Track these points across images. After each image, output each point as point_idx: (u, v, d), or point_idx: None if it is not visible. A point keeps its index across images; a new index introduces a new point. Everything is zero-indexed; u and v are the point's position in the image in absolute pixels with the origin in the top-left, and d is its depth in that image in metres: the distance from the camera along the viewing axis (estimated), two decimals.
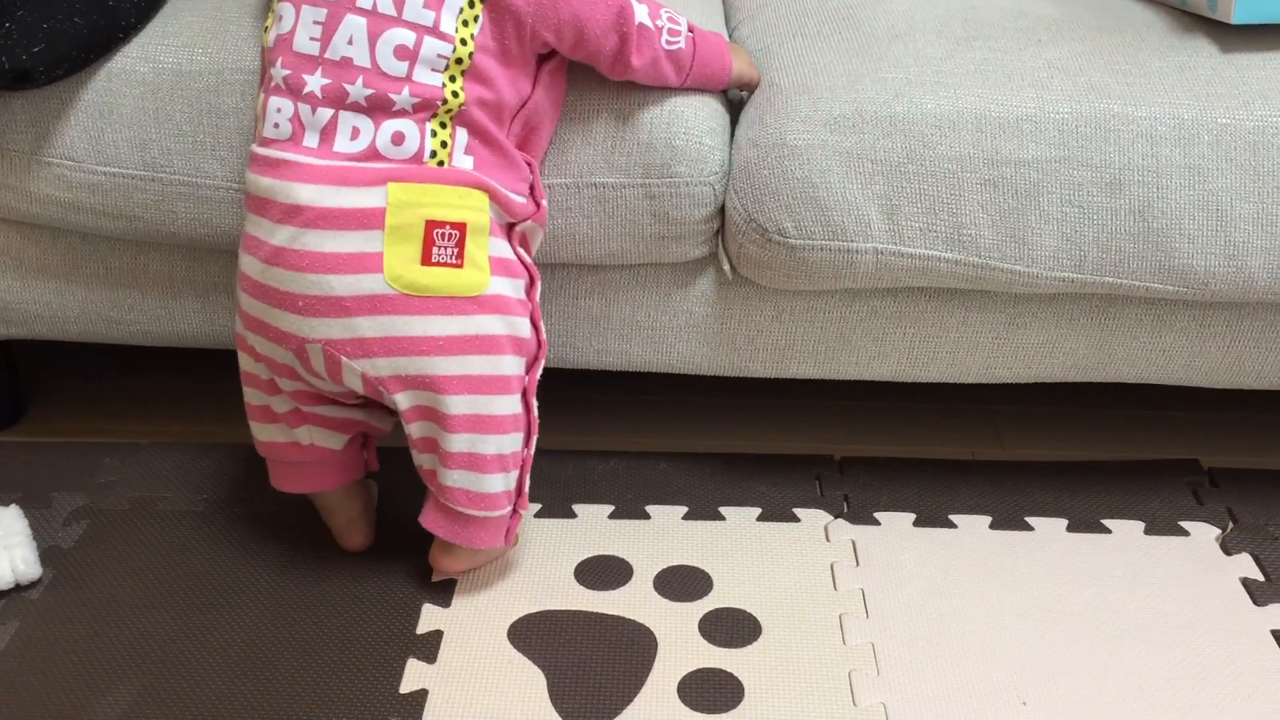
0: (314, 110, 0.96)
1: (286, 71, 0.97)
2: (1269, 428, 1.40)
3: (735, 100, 1.18)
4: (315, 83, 0.96)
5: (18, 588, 1.10)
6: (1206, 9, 1.16)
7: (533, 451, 1.07)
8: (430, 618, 1.08)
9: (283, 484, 1.12)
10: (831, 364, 1.22)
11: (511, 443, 1.04)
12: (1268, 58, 1.12)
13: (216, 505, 1.21)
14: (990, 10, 1.21)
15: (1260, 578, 1.14)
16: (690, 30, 1.06)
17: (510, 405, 1.02)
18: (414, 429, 1.03)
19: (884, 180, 1.07)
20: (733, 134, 1.13)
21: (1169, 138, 1.06)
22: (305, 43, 0.96)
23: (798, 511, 1.22)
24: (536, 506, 1.21)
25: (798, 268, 1.10)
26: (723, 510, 1.22)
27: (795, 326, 1.19)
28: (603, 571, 1.14)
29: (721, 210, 1.12)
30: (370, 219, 0.95)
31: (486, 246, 0.99)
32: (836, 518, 1.21)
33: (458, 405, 0.99)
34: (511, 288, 1.01)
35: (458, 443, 1.01)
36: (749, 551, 1.17)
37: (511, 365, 1.02)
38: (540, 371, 1.05)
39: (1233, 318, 1.16)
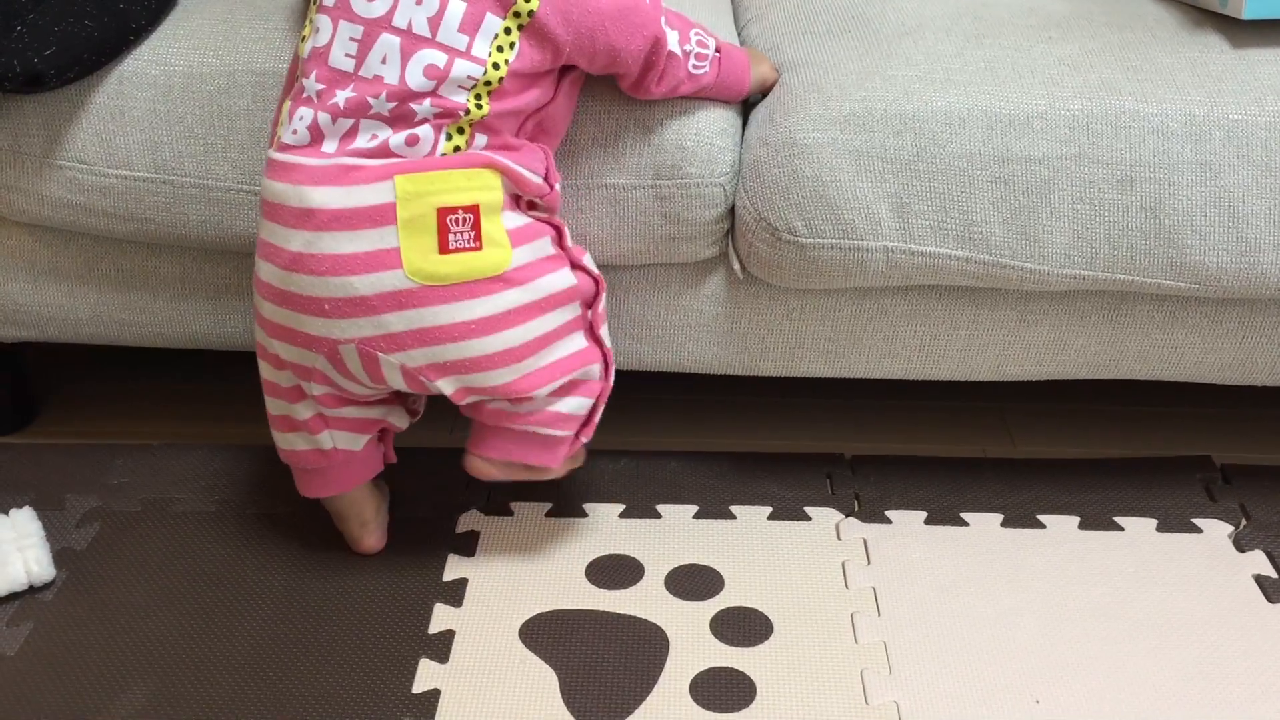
0: (334, 120, 0.96)
1: (320, 86, 0.96)
2: None
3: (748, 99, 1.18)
4: (342, 96, 0.95)
5: (31, 589, 1.11)
6: (1217, 5, 1.16)
7: (611, 384, 1.07)
8: (442, 617, 1.08)
9: (308, 490, 1.12)
10: (842, 362, 1.22)
11: (581, 375, 1.04)
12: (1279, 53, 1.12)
13: (229, 506, 1.22)
14: (1000, 7, 1.21)
15: (1274, 574, 1.14)
16: (717, 50, 1.07)
17: (569, 347, 1.02)
18: (466, 404, 1.03)
19: (894, 178, 1.06)
20: (743, 133, 1.13)
21: (1180, 134, 1.06)
22: (341, 58, 0.96)
23: (809, 510, 1.22)
24: (547, 505, 1.21)
25: (808, 266, 1.10)
26: (734, 509, 1.22)
27: (806, 325, 1.19)
28: (614, 571, 1.14)
29: (732, 210, 1.12)
30: (382, 215, 0.95)
31: (502, 222, 0.98)
32: (848, 516, 1.21)
33: (506, 375, 0.99)
34: (535, 251, 1.00)
35: (520, 401, 1.01)
36: (760, 550, 1.17)
37: (560, 318, 1.01)
38: (603, 303, 1.05)
39: (1245, 314, 1.16)
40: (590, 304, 1.05)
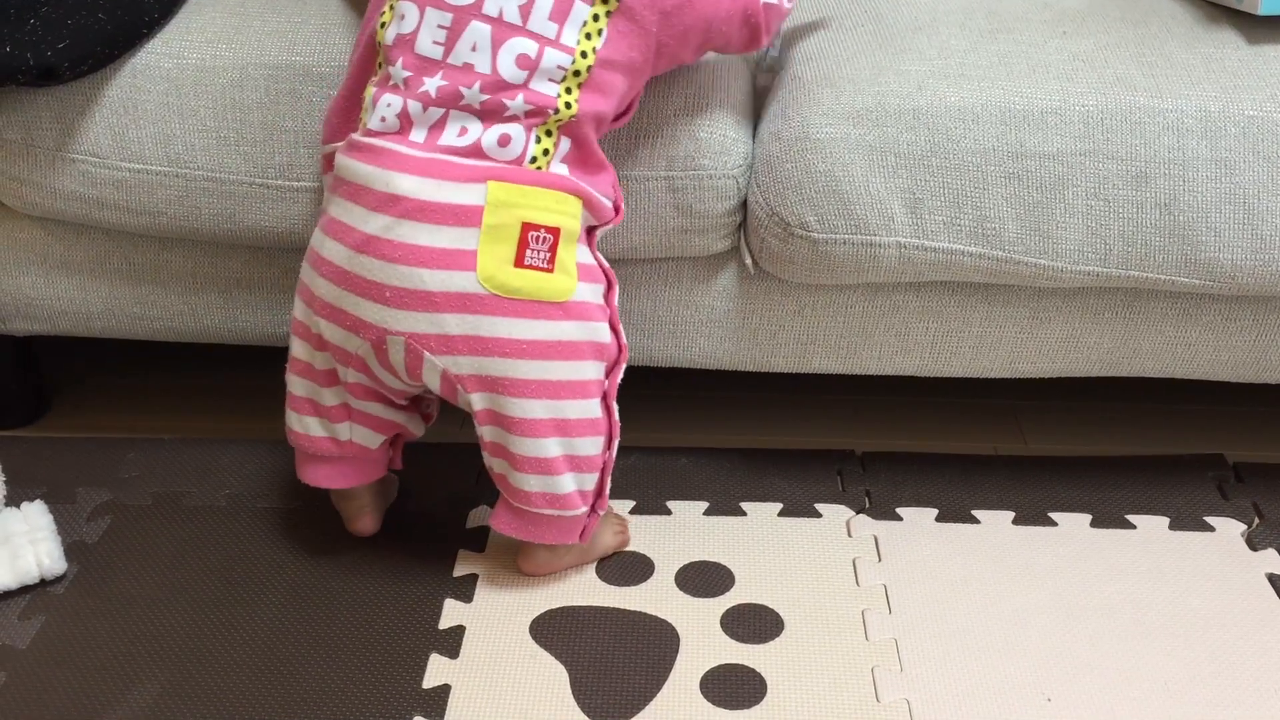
0: (425, 109, 0.95)
1: (408, 73, 0.96)
2: None
3: (761, 90, 1.17)
4: (432, 84, 0.95)
5: (43, 583, 1.11)
6: (1234, 1, 1.15)
7: (614, 455, 1.06)
8: (452, 613, 1.08)
9: (308, 477, 1.11)
10: (854, 359, 1.21)
11: (588, 445, 1.03)
12: None
13: (239, 500, 1.22)
14: (1014, 2, 1.21)
15: None
16: None
17: (586, 410, 1.02)
18: (486, 432, 1.02)
19: (907, 174, 1.06)
20: (755, 127, 1.13)
21: (1195, 130, 1.05)
22: (429, 46, 0.95)
23: (819, 507, 1.22)
24: None
25: (820, 262, 1.09)
26: (744, 506, 1.22)
27: (817, 321, 1.18)
28: (624, 567, 1.13)
29: (744, 204, 1.12)
30: (468, 215, 0.94)
31: (574, 253, 0.99)
32: (858, 513, 1.21)
33: (534, 409, 0.99)
34: (593, 293, 1.01)
35: (530, 446, 1.00)
36: (770, 547, 1.16)
37: (591, 370, 1.01)
38: (621, 375, 1.04)
39: (1259, 311, 1.15)
40: (609, 370, 1.04)
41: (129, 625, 1.07)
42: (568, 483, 1.03)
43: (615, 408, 1.05)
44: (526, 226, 0.95)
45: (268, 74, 1.11)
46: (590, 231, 1.03)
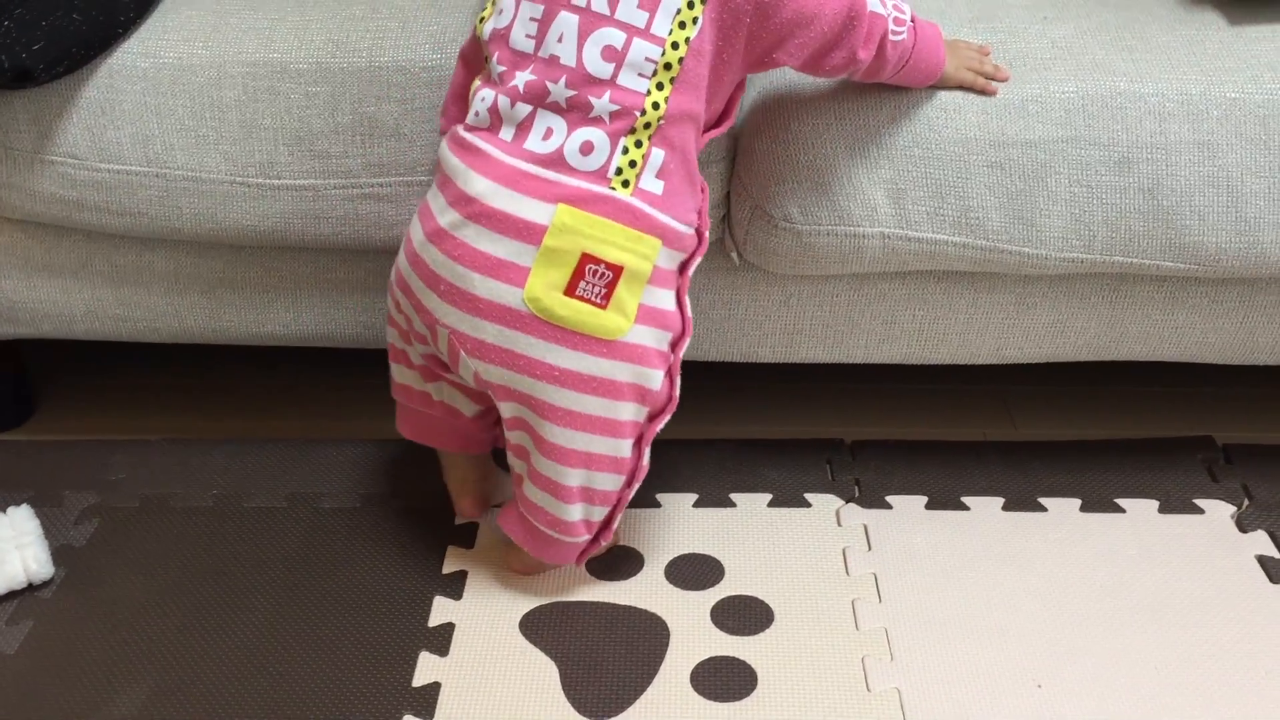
0: (513, 104, 0.94)
1: (502, 68, 0.95)
2: None
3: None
4: (522, 79, 0.93)
5: (30, 587, 1.11)
6: None
7: (632, 493, 1.04)
8: (442, 610, 1.08)
9: (404, 428, 1.12)
10: (841, 348, 1.21)
11: (607, 481, 1.01)
12: (1277, 30, 1.11)
13: (227, 501, 1.21)
14: None
15: (1276, 554, 1.13)
16: (912, 20, 0.99)
17: (614, 448, 0.99)
18: (512, 436, 1.02)
19: (890, 165, 1.06)
20: (737, 118, 1.12)
21: (1177, 114, 1.05)
22: (521, 39, 0.94)
23: (809, 497, 1.21)
24: None
25: (804, 253, 1.09)
26: (733, 497, 1.22)
27: (803, 311, 1.18)
28: (614, 561, 1.13)
29: (727, 196, 1.11)
30: (531, 232, 0.92)
31: (640, 294, 0.95)
32: (848, 502, 1.21)
33: (556, 435, 0.97)
34: (655, 339, 0.97)
35: (546, 467, 1.00)
36: (760, 538, 1.16)
37: (629, 412, 0.98)
38: (663, 424, 1.01)
39: (1246, 293, 1.15)
40: (654, 417, 1.01)
41: (117, 628, 1.06)
42: (575, 512, 1.02)
43: (647, 452, 1.02)
44: (586, 258, 0.92)
45: (246, 72, 1.10)
46: (682, 270, 0.99)
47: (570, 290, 0.93)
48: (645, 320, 0.96)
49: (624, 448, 1.00)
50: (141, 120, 1.11)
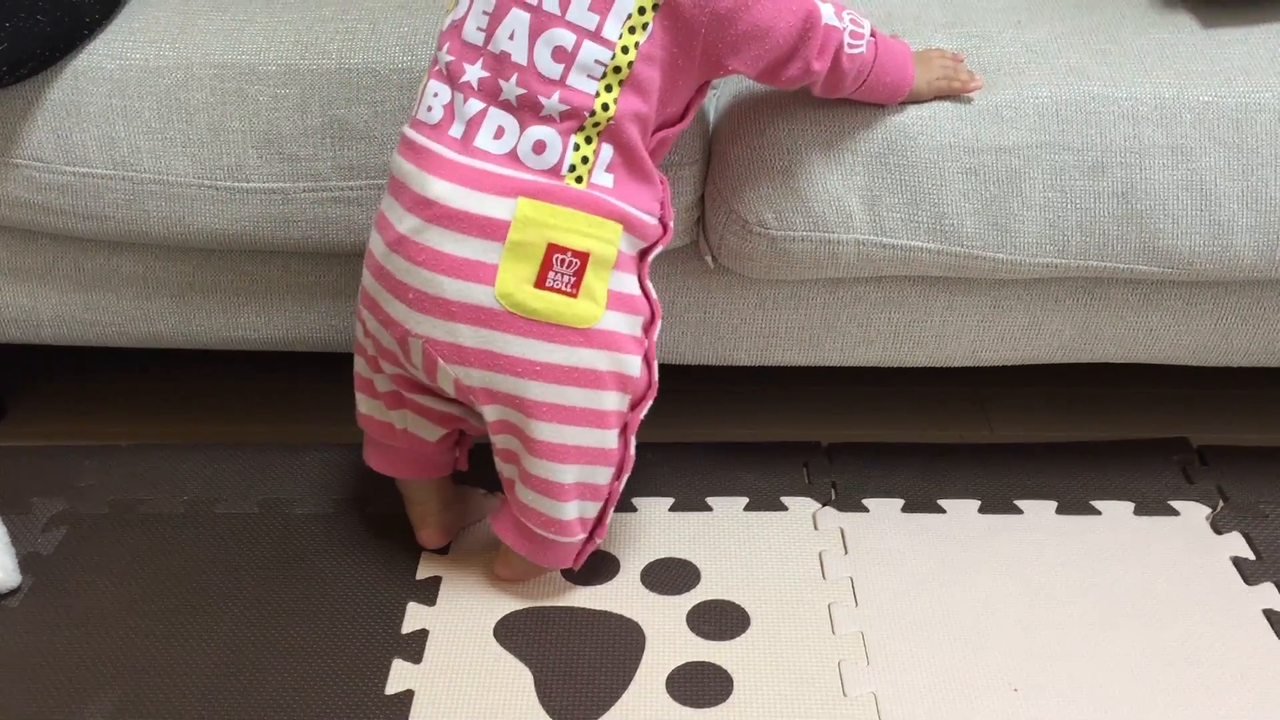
0: (465, 100, 0.93)
1: (451, 58, 0.94)
2: (1258, 404, 1.39)
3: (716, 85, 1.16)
4: (473, 74, 0.93)
5: None
6: None
7: (622, 485, 1.04)
8: (415, 617, 1.07)
9: (371, 461, 1.12)
10: (816, 351, 1.21)
11: (597, 475, 1.02)
12: (1250, 32, 1.11)
13: (198, 506, 1.20)
14: None
15: (1251, 556, 1.14)
16: (872, 35, 0.99)
17: (601, 439, 1.00)
18: (499, 440, 1.01)
19: (864, 171, 1.05)
20: (711, 122, 1.12)
21: (1151, 118, 1.05)
22: (473, 32, 0.94)
23: (785, 500, 1.21)
24: None
25: (779, 258, 1.08)
26: (710, 501, 1.21)
27: (779, 314, 1.18)
28: (589, 566, 1.12)
29: (701, 200, 1.11)
30: (494, 229, 0.92)
31: (608, 280, 0.96)
32: (824, 505, 1.20)
33: (545, 432, 0.97)
34: (627, 324, 0.98)
35: (538, 467, 0.99)
36: (737, 542, 1.16)
37: (612, 401, 0.99)
38: (645, 410, 1.02)
39: (1220, 295, 1.15)
40: (635, 405, 1.02)
41: (85, 637, 1.05)
42: (570, 510, 1.02)
43: (633, 441, 1.03)
44: (552, 248, 0.93)
45: (213, 74, 1.09)
46: (642, 257, 0.99)
47: (540, 282, 0.93)
48: (615, 306, 0.97)
49: (610, 439, 1.01)
50: (108, 123, 1.09)
